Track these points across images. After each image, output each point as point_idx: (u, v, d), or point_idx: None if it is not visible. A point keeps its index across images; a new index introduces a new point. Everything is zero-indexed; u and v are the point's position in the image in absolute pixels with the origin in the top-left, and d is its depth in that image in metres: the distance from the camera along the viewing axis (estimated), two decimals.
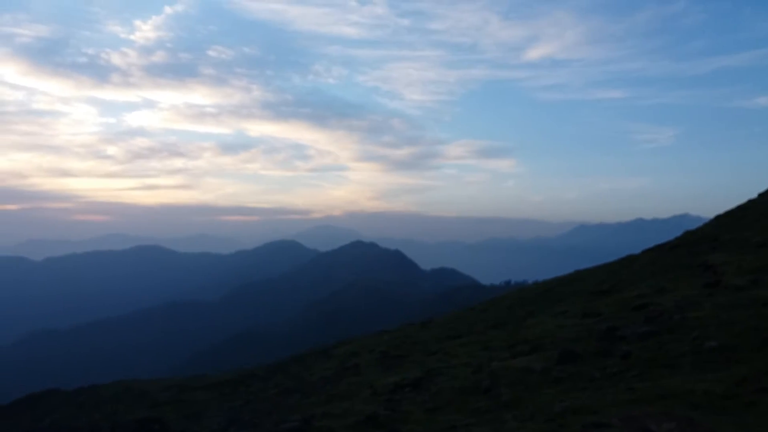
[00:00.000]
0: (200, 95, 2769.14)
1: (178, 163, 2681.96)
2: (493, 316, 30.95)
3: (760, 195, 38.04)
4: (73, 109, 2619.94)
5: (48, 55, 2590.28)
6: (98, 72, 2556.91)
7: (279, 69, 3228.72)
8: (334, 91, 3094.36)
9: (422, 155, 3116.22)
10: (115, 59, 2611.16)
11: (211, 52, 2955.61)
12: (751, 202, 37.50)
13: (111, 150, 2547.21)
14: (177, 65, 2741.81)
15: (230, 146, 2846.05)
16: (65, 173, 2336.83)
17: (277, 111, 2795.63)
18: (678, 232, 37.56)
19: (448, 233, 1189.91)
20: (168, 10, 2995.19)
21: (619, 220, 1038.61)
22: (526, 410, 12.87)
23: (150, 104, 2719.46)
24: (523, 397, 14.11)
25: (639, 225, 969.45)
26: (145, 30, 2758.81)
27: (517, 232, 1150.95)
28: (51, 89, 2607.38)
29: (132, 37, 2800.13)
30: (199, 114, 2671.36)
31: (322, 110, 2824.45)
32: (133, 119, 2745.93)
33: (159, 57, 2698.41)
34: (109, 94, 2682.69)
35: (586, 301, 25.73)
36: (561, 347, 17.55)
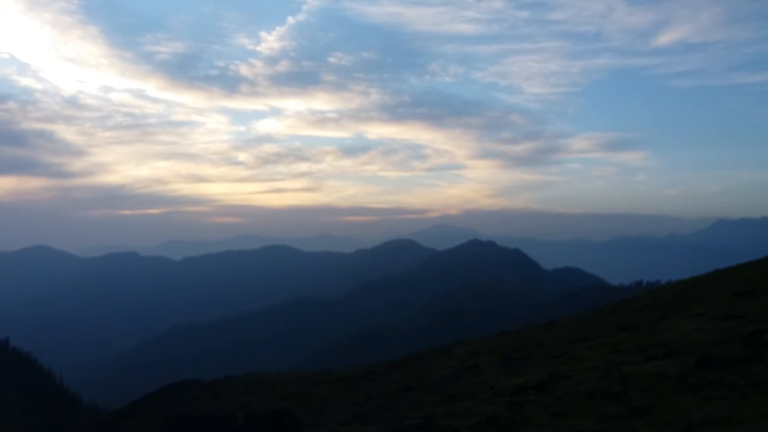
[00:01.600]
0: (322, 101, 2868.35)
1: (303, 167, 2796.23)
2: (622, 318, 29.30)
3: None
4: (207, 119, 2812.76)
5: (183, 70, 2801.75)
6: (228, 83, 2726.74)
7: (396, 71, 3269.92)
8: (451, 89, 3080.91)
9: (543, 150, 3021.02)
10: (244, 70, 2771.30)
11: (331, 59, 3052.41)
12: None
13: (242, 156, 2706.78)
14: (300, 73, 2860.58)
15: (350, 149, 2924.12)
16: (201, 179, 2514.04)
17: (395, 113, 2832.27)
18: None
19: (573, 231, 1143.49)
20: (291, 20, 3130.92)
21: (765, 214, 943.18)
22: (660, 418, 12.01)
23: (276, 112, 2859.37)
24: (657, 404, 13.19)
25: None
26: (270, 41, 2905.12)
27: (649, 228, 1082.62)
28: (187, 101, 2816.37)
29: (258, 48, 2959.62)
30: (321, 120, 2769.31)
31: (438, 109, 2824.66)
32: (261, 127, 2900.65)
33: (283, 66, 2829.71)
34: (238, 103, 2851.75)
35: (727, 303, 23.64)
36: (699, 352, 16.21)
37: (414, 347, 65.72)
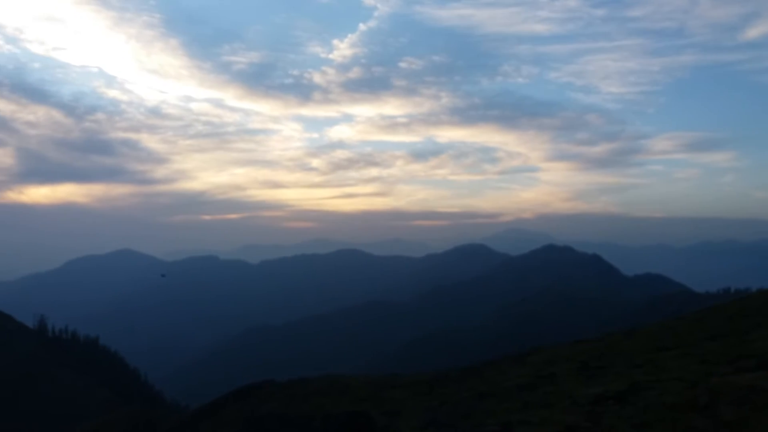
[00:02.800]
0: (392, 107, 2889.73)
1: (374, 171, 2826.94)
2: (709, 327, 27.87)
3: None
4: (282, 126, 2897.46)
5: (259, 79, 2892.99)
6: (302, 91, 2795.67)
7: (467, 74, 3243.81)
8: (524, 90, 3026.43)
9: (622, 151, 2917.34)
10: (317, 78, 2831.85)
11: (402, 64, 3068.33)
12: None
13: (315, 162, 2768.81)
14: (371, 79, 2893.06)
15: (420, 153, 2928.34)
16: (277, 185, 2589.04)
17: (465, 116, 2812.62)
18: None
19: (655, 236, 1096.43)
20: (362, 27, 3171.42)
21: None
22: None
23: (348, 118, 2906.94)
24: (749, 419, 12.48)
25: None
26: (342, 48, 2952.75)
27: (737, 233, 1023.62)
28: (263, 110, 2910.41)
29: (330, 56, 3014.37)
30: (392, 125, 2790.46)
31: (511, 111, 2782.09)
32: (334, 133, 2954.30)
33: (355, 73, 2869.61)
34: (312, 111, 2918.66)
35: None
36: None
37: (486, 354, 64.90)
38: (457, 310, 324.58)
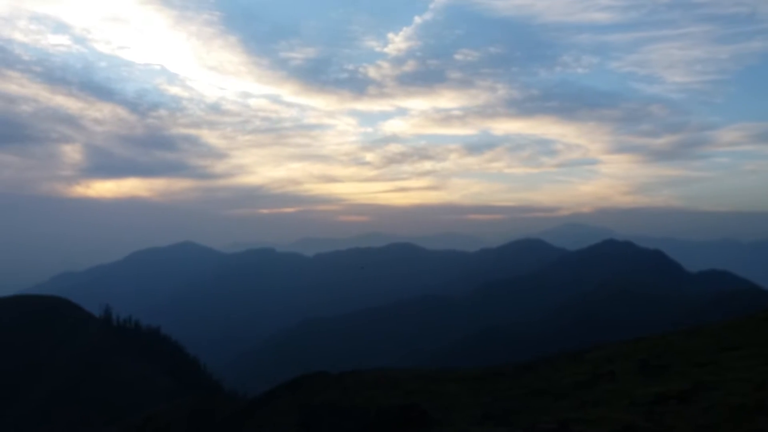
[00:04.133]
0: (447, 99, 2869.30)
1: (427, 165, 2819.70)
2: None
3: None
4: (337, 121, 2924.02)
5: (315, 74, 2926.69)
6: (357, 86, 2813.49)
7: (524, 65, 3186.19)
8: (584, 81, 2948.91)
9: (687, 143, 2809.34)
10: (371, 72, 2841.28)
11: (457, 56, 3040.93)
12: None
13: (369, 156, 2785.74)
14: (426, 72, 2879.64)
15: (475, 146, 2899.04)
16: (331, 179, 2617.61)
17: (522, 107, 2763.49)
18: None
19: (721, 230, 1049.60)
20: (417, 19, 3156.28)
21: None
22: None
23: (402, 112, 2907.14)
24: None
25: None
26: (397, 42, 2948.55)
27: None
28: (318, 105, 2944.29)
29: (385, 49, 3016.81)
30: (446, 117, 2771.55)
31: (570, 102, 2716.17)
32: (388, 127, 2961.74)
33: (410, 66, 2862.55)
34: (366, 105, 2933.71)
35: None
36: None
37: (542, 351, 63.89)
38: (511, 305, 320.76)
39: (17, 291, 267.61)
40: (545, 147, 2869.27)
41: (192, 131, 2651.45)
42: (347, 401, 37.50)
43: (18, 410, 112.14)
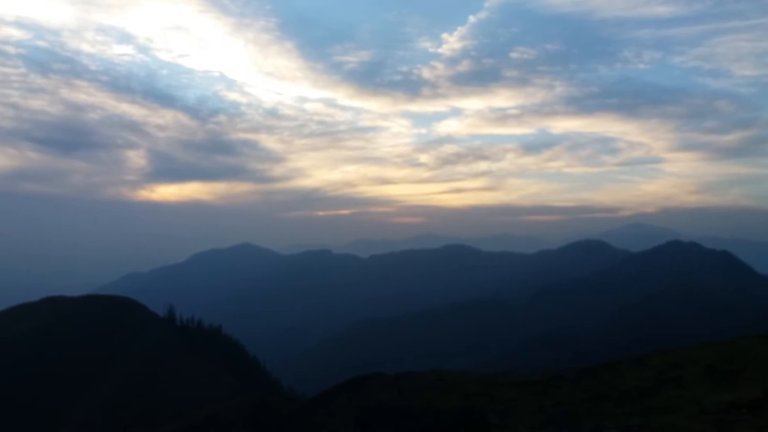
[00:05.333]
0: (503, 98, 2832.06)
1: (483, 166, 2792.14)
2: None
3: None
4: (391, 123, 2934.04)
5: (369, 77, 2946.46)
6: (411, 87, 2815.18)
7: (583, 61, 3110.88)
8: (646, 77, 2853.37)
9: (757, 139, 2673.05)
10: (425, 73, 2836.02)
11: (513, 54, 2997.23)
12: None
13: (423, 158, 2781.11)
14: (481, 72, 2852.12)
15: (532, 146, 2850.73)
16: (385, 181, 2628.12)
17: (582, 105, 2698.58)
18: None
19: None
20: (472, 19, 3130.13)
21: None
22: None
23: (456, 112, 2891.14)
24: None
25: None
26: (451, 42, 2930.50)
27: None
28: (373, 107, 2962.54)
29: (440, 50, 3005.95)
30: (502, 117, 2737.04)
31: (631, 99, 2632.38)
32: (442, 128, 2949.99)
33: (464, 66, 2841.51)
34: (420, 106, 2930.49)
35: None
36: None
37: (604, 355, 62.41)
38: (572, 308, 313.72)
39: (87, 291, 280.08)
40: (606, 145, 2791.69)
41: (250, 136, 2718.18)
42: (404, 403, 37.56)
43: (87, 405, 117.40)
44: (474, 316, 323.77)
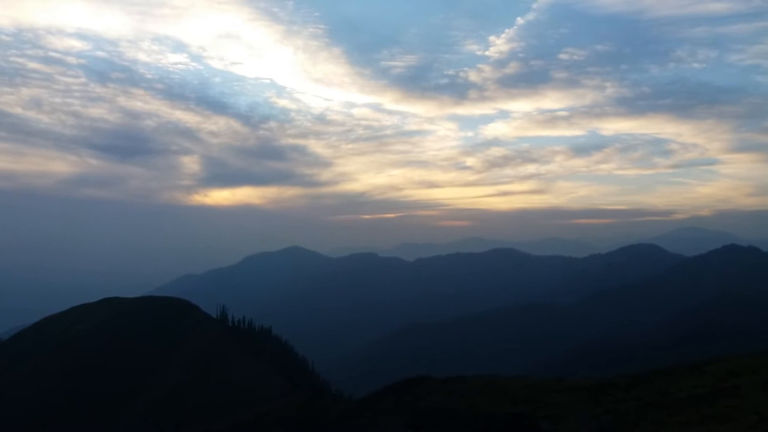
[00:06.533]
0: (552, 100, 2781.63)
1: (531, 168, 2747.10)
2: None
3: None
4: (437, 127, 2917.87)
5: (416, 81, 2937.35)
6: (457, 90, 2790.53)
7: (635, 61, 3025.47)
8: (701, 76, 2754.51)
9: None
10: (472, 76, 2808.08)
11: (562, 56, 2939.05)
12: None
13: (470, 161, 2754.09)
14: (529, 73, 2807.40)
15: (582, 148, 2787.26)
16: (431, 184, 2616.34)
17: (633, 106, 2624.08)
18: None
19: None
20: (520, 20, 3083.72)
21: None
22: None
23: (504, 115, 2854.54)
24: None
25: None
26: (499, 44, 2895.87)
27: None
28: (419, 111, 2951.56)
29: (487, 53, 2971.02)
30: (551, 119, 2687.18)
31: (685, 99, 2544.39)
32: (489, 131, 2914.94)
33: (512, 68, 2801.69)
34: (467, 109, 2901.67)
35: None
36: None
37: (657, 362, 60.94)
38: (623, 314, 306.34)
39: (143, 292, 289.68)
40: (659, 147, 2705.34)
41: (299, 141, 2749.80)
42: (452, 406, 37.65)
43: (142, 402, 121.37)
44: (522, 321, 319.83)
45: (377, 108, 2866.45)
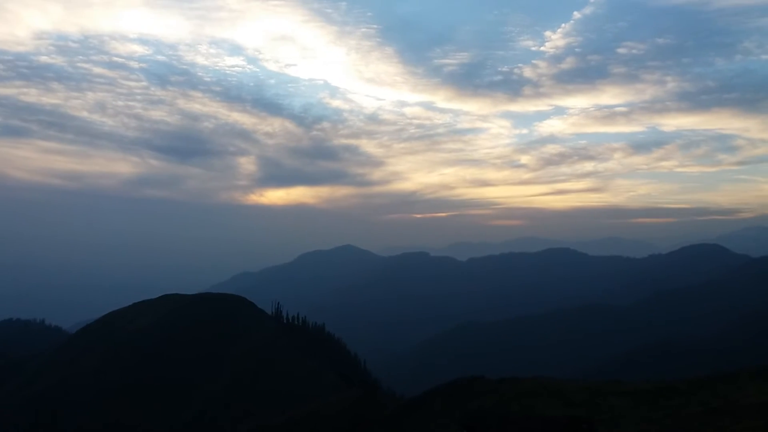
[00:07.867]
0: (610, 95, 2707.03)
1: (588, 166, 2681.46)
2: None
3: None
4: (491, 124, 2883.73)
5: (469, 79, 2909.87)
6: (511, 87, 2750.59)
7: (698, 54, 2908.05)
8: None
9: None
10: (527, 72, 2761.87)
11: (621, 50, 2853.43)
12: None
13: (524, 159, 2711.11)
14: (586, 69, 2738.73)
15: (642, 144, 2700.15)
16: (484, 183, 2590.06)
17: (696, 101, 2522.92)
18: None
19: None
20: (576, 15, 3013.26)
21: None
22: None
23: (560, 111, 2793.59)
24: None
25: None
26: (554, 39, 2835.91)
27: None
28: (471, 109, 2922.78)
29: (542, 48, 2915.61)
30: (609, 115, 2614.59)
31: (753, 93, 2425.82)
32: (544, 128, 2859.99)
33: (568, 63, 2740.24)
34: (521, 106, 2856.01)
35: None
36: None
37: (721, 366, 58.75)
38: (685, 316, 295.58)
39: (203, 289, 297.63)
40: (724, 143, 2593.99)
41: (352, 141, 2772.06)
42: (504, 408, 37.24)
43: (201, 396, 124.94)
44: (579, 322, 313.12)
45: (429, 106, 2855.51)
